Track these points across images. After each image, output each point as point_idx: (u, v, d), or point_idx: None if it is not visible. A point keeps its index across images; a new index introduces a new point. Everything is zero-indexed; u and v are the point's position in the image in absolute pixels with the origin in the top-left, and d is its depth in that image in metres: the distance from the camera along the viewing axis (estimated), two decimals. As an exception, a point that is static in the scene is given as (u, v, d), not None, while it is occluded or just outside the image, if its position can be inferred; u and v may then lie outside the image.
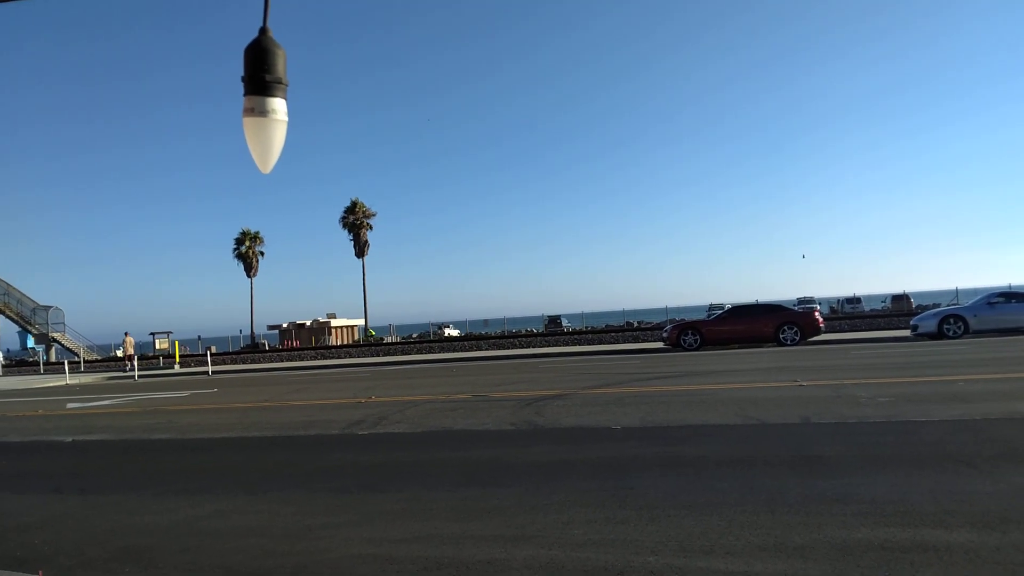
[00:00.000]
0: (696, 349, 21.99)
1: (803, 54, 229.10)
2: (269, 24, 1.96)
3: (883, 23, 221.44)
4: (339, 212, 60.11)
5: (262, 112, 1.92)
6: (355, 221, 59.06)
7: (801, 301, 56.07)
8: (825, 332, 23.09)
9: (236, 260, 58.66)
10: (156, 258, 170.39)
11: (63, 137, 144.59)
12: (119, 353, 35.86)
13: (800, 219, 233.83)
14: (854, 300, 54.86)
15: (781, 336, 21.51)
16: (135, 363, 28.72)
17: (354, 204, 59.28)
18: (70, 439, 10.24)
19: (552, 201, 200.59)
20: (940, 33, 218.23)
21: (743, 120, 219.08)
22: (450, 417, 9.93)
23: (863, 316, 38.06)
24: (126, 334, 37.55)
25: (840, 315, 43.15)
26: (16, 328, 48.29)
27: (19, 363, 43.15)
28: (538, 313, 65.03)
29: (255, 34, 1.94)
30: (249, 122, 1.93)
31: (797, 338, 21.48)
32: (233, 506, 5.81)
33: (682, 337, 22.42)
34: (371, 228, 59.80)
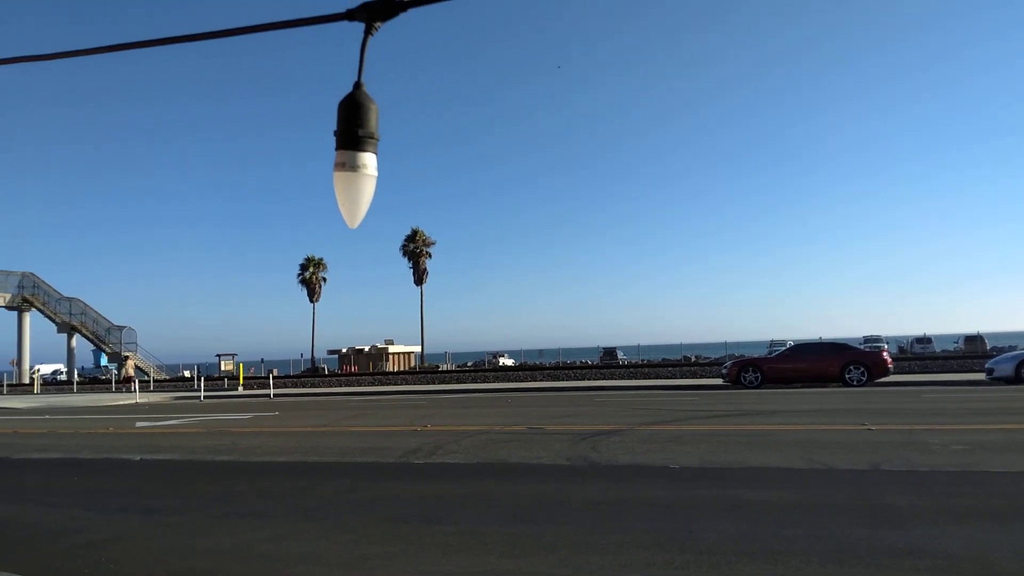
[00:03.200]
0: (757, 387, 21.43)
1: (874, 94, 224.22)
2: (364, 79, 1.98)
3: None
4: (400, 240, 61.23)
5: (353, 167, 1.93)
6: (415, 249, 60.00)
7: (867, 340, 54.20)
8: (894, 373, 22.22)
9: (300, 285, 60.24)
10: (224, 281, 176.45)
11: (138, 157, 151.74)
12: (124, 374, 37.64)
13: (869, 256, 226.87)
14: (924, 340, 52.72)
15: (847, 376, 20.78)
16: (201, 384, 29.60)
17: (414, 232, 60.28)
18: (138, 458, 10.59)
19: (608, 233, 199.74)
20: None
21: (815, 153, 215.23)
22: (505, 449, 9.89)
23: (934, 357, 36.48)
24: (127, 357, 39.28)
25: (910, 356, 41.49)
26: (91, 346, 50.50)
27: (92, 380, 44.99)
28: (593, 344, 64.55)
29: (343, 80, 1.98)
30: (340, 176, 1.94)
31: (864, 379, 20.72)
32: (291, 531, 5.89)
33: (742, 374, 21.90)
34: (430, 256, 60.67)
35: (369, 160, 1.95)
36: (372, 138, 1.96)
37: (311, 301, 59.98)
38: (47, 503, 7.52)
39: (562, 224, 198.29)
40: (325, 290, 60.57)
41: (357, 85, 1.98)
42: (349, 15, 1.95)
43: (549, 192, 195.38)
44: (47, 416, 20.04)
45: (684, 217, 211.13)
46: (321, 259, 60.13)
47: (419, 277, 60.14)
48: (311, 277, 59.68)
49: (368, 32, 1.95)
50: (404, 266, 60.97)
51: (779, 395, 18.36)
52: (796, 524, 5.53)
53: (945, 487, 6.73)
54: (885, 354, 22.38)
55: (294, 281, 60.57)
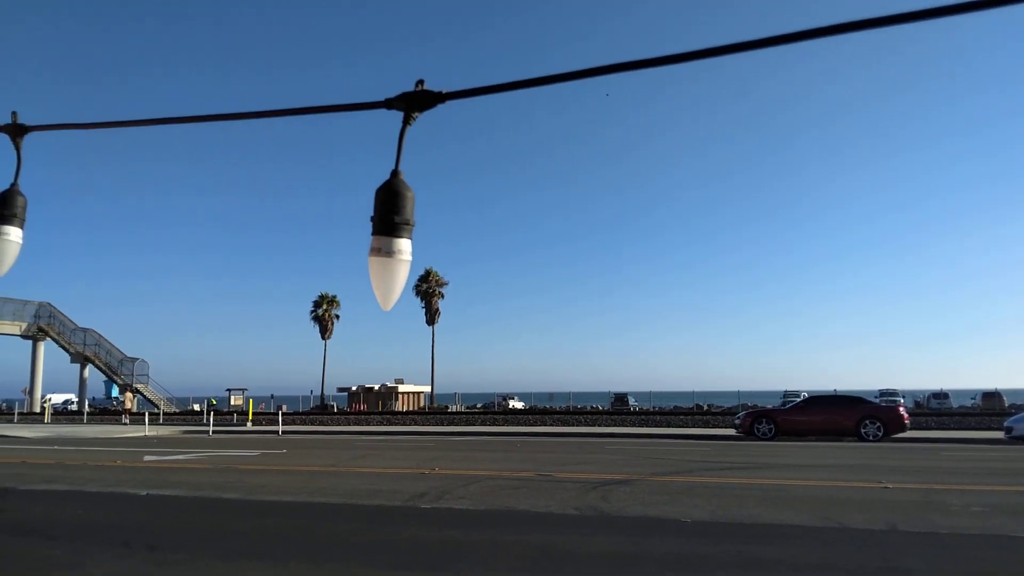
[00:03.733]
0: (770, 439, 21.11)
1: (891, 136, 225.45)
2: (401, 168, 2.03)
3: None
4: (412, 279, 61.47)
5: (388, 252, 1.97)
6: (428, 289, 60.15)
7: (883, 393, 53.39)
8: (910, 429, 21.83)
9: (312, 322, 60.39)
10: (237, 315, 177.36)
11: (134, 178, 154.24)
12: (124, 408, 38.04)
13: (884, 307, 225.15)
14: (941, 395, 51.83)
15: (863, 431, 20.44)
16: (211, 418, 29.56)
17: (428, 273, 60.53)
18: (144, 492, 10.53)
19: (617, 276, 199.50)
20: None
21: (830, 197, 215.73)
22: (513, 496, 9.76)
23: (951, 413, 35.82)
24: (126, 389, 39.57)
25: (926, 411, 40.77)
26: (103, 377, 50.66)
27: (102, 411, 45.07)
28: (603, 389, 64.04)
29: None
30: (375, 261, 1.98)
31: (880, 434, 20.37)
32: (295, 573, 5.80)
33: (756, 425, 21.60)
34: (443, 296, 60.79)
35: (404, 246, 1.99)
36: (408, 224, 2.00)
37: (323, 338, 60.07)
38: (51, 536, 7.47)
39: (574, 264, 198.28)
40: (337, 327, 60.75)
41: (395, 173, 2.02)
42: (388, 104, 2.00)
43: (561, 231, 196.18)
44: (56, 447, 20.03)
45: (695, 264, 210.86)
46: (335, 297, 60.40)
47: (431, 317, 60.17)
48: (324, 314, 59.86)
49: (406, 122, 1.99)
50: (416, 305, 61.12)
51: (793, 448, 18.06)
52: (810, 585, 5.39)
53: (965, 551, 6.56)
54: (902, 409, 22.03)
55: (306, 317, 60.78)
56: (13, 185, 2.63)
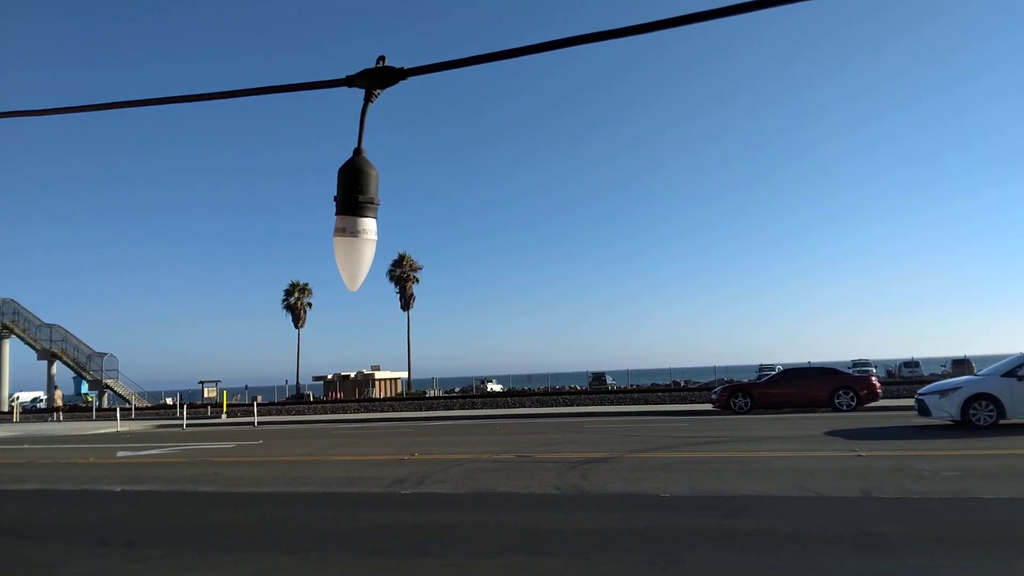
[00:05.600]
0: (746, 412, 21.39)
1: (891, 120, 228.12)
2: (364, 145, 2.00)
3: None
4: (386, 264, 61.04)
5: (353, 232, 1.96)
6: (402, 274, 59.80)
7: (856, 364, 54.42)
8: (883, 397, 22.25)
9: (284, 311, 59.81)
10: (206, 305, 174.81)
11: (120, 172, 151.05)
12: (55, 404, 37.42)
13: (852, 276, 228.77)
14: (912, 364, 52.94)
15: (836, 401, 20.79)
16: (184, 412, 29.19)
17: (401, 257, 60.14)
18: (119, 488, 10.36)
19: (594, 254, 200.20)
20: None
21: (798, 171, 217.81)
22: (493, 479, 9.76)
23: (922, 381, 36.63)
24: (55, 387, 39.12)
25: (898, 380, 41.67)
26: (71, 374, 49.77)
27: (72, 408, 44.29)
28: (581, 369, 64.36)
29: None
30: (340, 241, 1.96)
31: (853, 403, 20.73)
32: (276, 565, 5.75)
33: (732, 400, 21.85)
34: (417, 281, 60.47)
35: (369, 225, 1.98)
36: (372, 203, 1.98)
37: (296, 327, 59.54)
38: (25, 536, 7.32)
39: (547, 245, 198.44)
40: (310, 315, 60.23)
41: (357, 151, 2.00)
42: (349, 81, 1.97)
43: (534, 213, 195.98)
44: (26, 445, 19.65)
45: (675, 237, 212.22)
46: (306, 284, 59.84)
47: (406, 302, 59.88)
48: (296, 302, 59.29)
49: (368, 99, 1.98)
50: (390, 291, 60.77)
51: (769, 421, 18.32)
52: (790, 554, 5.46)
53: (937, 514, 6.69)
54: (874, 379, 22.42)
55: (278, 306, 60.17)
56: None
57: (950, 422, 14.76)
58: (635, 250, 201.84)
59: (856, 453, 10.85)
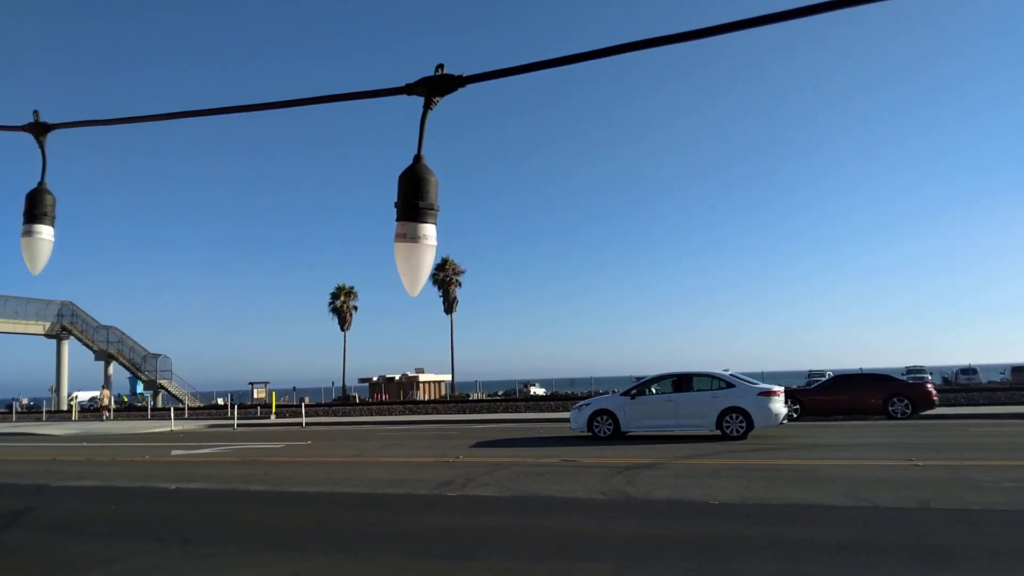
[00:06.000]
0: (796, 419, 20.93)
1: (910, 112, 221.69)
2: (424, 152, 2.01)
3: None
4: (431, 269, 61.45)
5: (414, 238, 1.97)
6: (445, 278, 60.24)
7: (910, 371, 52.79)
8: (939, 405, 21.52)
9: (331, 314, 60.73)
10: (257, 309, 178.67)
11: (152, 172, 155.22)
12: (101, 404, 38.03)
13: (909, 284, 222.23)
14: (969, 371, 51.12)
15: (890, 409, 20.19)
16: (235, 412, 29.84)
17: (444, 261, 60.58)
18: (173, 486, 10.64)
19: (637, 261, 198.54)
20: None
21: (854, 172, 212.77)
22: (538, 482, 9.75)
23: (980, 389, 35.36)
24: (104, 387, 39.71)
25: (954, 387, 40.26)
26: (127, 374, 51.35)
27: (128, 407, 45.68)
28: (625, 374, 63.88)
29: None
30: (401, 247, 1.98)
31: (908, 411, 20.10)
32: (326, 564, 5.83)
33: (781, 406, 21.41)
34: (460, 285, 60.83)
35: (430, 231, 2.00)
36: (432, 209, 2.00)
37: (342, 329, 60.39)
38: (84, 532, 7.57)
39: (592, 250, 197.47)
40: (356, 318, 61.05)
41: (417, 158, 2.01)
42: (408, 90, 1.99)
43: (577, 217, 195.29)
44: (84, 443, 20.34)
45: (709, 248, 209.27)
46: (352, 288, 60.67)
47: (449, 306, 60.29)
48: (342, 306, 60.14)
49: (427, 107, 1.99)
50: (434, 295, 61.23)
51: (820, 428, 17.90)
52: (843, 566, 5.32)
53: (998, 527, 6.45)
54: (930, 386, 21.68)
55: (325, 309, 61.16)
56: (41, 184, 2.63)
57: None
58: (680, 253, 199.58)
59: (912, 462, 10.53)
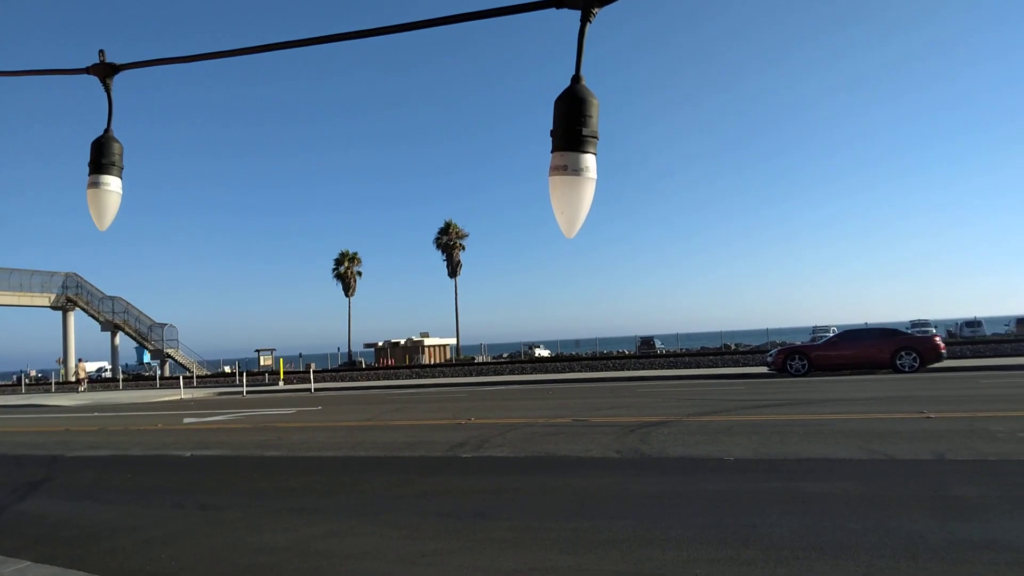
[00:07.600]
0: (804, 375, 21.01)
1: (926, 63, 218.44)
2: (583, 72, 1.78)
3: None
4: (433, 233, 61.40)
5: (575, 170, 1.73)
6: (448, 242, 60.19)
7: (915, 324, 52.98)
8: (946, 358, 21.58)
9: (335, 280, 60.83)
10: (260, 275, 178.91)
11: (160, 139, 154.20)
12: (73, 379, 37.86)
13: (910, 238, 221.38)
14: (974, 323, 51.21)
15: (898, 362, 20.25)
16: (243, 379, 29.99)
17: (447, 225, 60.45)
18: (188, 454, 10.72)
19: (638, 219, 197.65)
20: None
21: (852, 130, 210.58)
22: (552, 442, 9.79)
23: (986, 341, 35.42)
24: (80, 360, 39.69)
25: (960, 340, 40.34)
26: (134, 344, 51.62)
27: (135, 377, 46.05)
28: (629, 334, 64.14)
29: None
30: (558, 180, 1.74)
31: (916, 364, 20.17)
32: (347, 527, 5.86)
33: (788, 362, 21.49)
34: (463, 248, 60.78)
35: (591, 162, 1.75)
36: (595, 137, 1.76)
37: (346, 295, 60.56)
38: (103, 500, 7.62)
39: (593, 210, 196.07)
40: (360, 284, 61.13)
41: (576, 79, 1.78)
42: (559, 2, 1.76)
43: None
44: (96, 413, 20.50)
45: (718, 198, 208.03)
46: (356, 253, 60.65)
47: (452, 270, 60.33)
48: (346, 271, 60.20)
49: (586, 19, 1.75)
50: (437, 258, 61.26)
51: (829, 383, 17.96)
52: (863, 517, 5.33)
53: (1016, 476, 6.46)
54: (938, 339, 21.72)
55: (329, 275, 61.27)
56: (107, 131, 2.39)
57: None
58: (683, 209, 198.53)
59: (924, 415, 10.56)
